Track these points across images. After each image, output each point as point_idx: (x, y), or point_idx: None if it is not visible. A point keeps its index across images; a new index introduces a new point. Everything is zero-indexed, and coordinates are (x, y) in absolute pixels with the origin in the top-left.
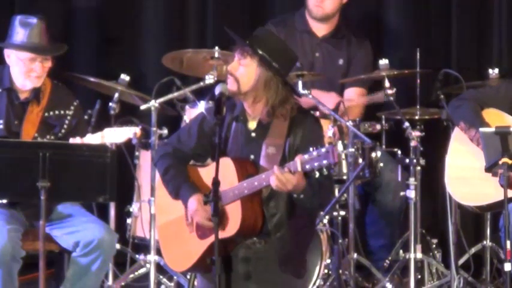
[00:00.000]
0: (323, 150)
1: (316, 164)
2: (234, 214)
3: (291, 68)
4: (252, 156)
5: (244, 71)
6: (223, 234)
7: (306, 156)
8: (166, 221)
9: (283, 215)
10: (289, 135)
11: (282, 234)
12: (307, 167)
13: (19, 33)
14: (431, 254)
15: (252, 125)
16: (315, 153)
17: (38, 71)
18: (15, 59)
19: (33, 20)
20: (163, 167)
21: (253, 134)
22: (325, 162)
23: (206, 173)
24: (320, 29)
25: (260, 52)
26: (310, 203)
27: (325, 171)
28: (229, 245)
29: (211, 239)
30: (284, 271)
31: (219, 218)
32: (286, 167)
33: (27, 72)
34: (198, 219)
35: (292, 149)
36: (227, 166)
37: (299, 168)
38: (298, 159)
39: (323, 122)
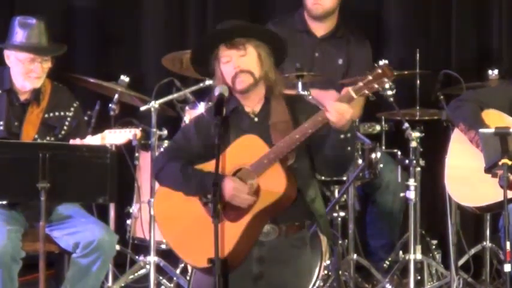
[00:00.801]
0: (378, 70)
1: (376, 85)
2: (276, 178)
3: None
4: None
5: (250, 60)
6: (267, 201)
7: (360, 83)
8: (180, 227)
9: (312, 181)
10: (294, 112)
11: (313, 200)
12: (365, 91)
13: (18, 34)
14: (431, 254)
15: (253, 111)
16: (370, 76)
17: (37, 71)
18: (14, 60)
19: (33, 21)
20: (173, 170)
21: (256, 119)
22: (385, 79)
23: (224, 158)
24: (319, 29)
25: (254, 29)
26: (352, 146)
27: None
28: (265, 217)
29: (247, 216)
30: (306, 256)
31: (259, 189)
32: (337, 99)
33: (26, 73)
34: (242, 195)
35: (300, 123)
36: (251, 139)
37: (354, 95)
38: (350, 89)
39: None
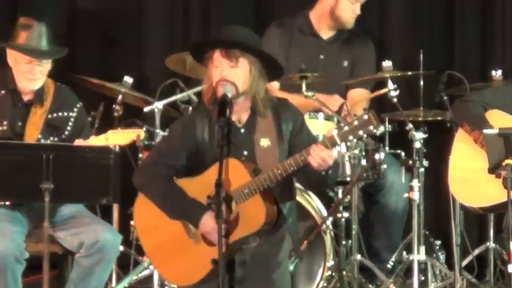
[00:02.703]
0: (364, 117)
1: (361, 132)
2: (256, 209)
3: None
4: (245, 153)
5: (239, 73)
6: (246, 231)
7: (346, 128)
8: (158, 239)
9: (289, 197)
10: (280, 123)
11: (293, 218)
12: (350, 137)
13: (19, 35)
14: (434, 255)
15: (240, 121)
16: (355, 122)
17: (33, 73)
18: (13, 61)
19: (33, 23)
20: (159, 190)
21: (242, 130)
22: (371, 127)
23: (206, 179)
24: (327, 32)
25: (253, 48)
26: (332, 179)
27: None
28: (239, 243)
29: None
30: (294, 254)
31: (238, 217)
32: (321, 143)
33: (23, 74)
34: (214, 237)
35: (287, 135)
36: (233, 165)
37: (339, 141)
38: (334, 134)
39: (326, 124)
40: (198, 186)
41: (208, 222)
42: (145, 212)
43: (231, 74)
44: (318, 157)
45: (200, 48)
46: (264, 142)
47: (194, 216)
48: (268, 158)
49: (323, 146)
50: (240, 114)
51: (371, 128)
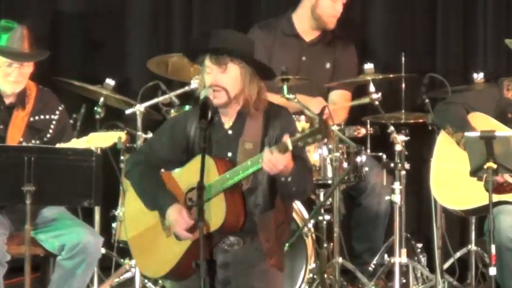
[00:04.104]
0: (315, 125)
1: (310, 139)
2: (218, 207)
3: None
4: (229, 154)
5: (229, 78)
6: (206, 229)
7: (298, 135)
8: (138, 229)
9: (266, 208)
10: (267, 129)
11: (265, 226)
12: (300, 144)
13: (0, 38)
14: (416, 258)
15: (228, 123)
16: (307, 130)
17: (14, 75)
18: None
19: (14, 25)
20: (137, 177)
21: (230, 132)
22: (319, 136)
23: (181, 175)
24: (309, 34)
25: (241, 53)
26: (297, 186)
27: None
28: (210, 243)
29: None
30: (269, 264)
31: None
32: (275, 147)
33: (4, 76)
34: (178, 229)
35: (272, 141)
36: (206, 162)
37: (290, 147)
38: (287, 138)
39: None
40: (175, 181)
41: (172, 214)
42: (133, 199)
43: (221, 79)
44: (267, 160)
45: (191, 55)
46: (247, 145)
47: (163, 207)
48: None
49: (276, 150)
50: (230, 116)
51: (319, 136)
